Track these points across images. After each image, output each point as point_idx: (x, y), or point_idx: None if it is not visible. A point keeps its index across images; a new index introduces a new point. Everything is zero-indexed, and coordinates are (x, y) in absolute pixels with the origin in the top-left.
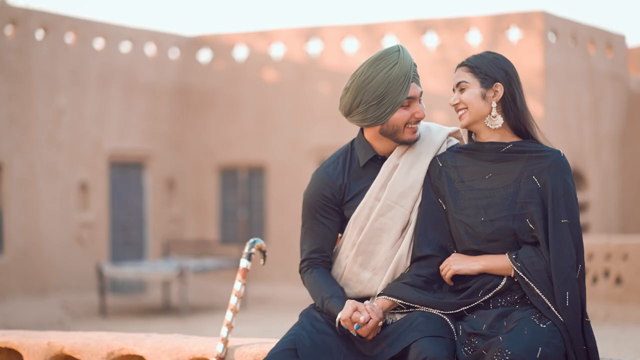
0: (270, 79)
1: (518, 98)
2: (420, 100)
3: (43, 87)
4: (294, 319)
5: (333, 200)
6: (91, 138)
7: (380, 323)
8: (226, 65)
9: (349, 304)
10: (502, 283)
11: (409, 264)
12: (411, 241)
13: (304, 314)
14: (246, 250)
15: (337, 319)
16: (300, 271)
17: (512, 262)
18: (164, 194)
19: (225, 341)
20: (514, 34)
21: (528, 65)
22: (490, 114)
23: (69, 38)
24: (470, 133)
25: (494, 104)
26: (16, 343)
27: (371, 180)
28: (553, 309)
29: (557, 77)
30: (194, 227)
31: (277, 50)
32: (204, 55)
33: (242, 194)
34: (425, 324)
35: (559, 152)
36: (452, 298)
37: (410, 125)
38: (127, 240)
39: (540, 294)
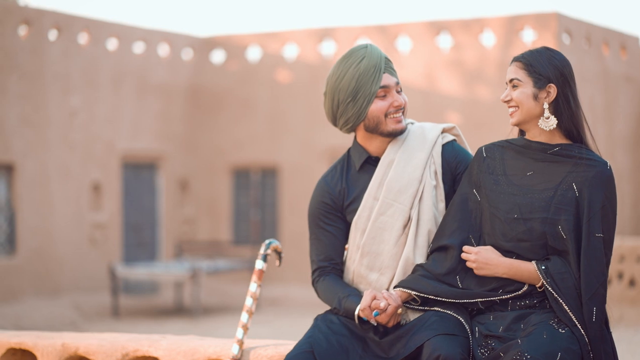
0: (283, 80)
1: (572, 100)
2: (398, 91)
3: (56, 88)
4: (307, 319)
5: (334, 206)
6: (104, 138)
7: (400, 310)
8: (239, 66)
9: (368, 293)
10: (524, 288)
11: (416, 260)
12: (415, 238)
13: (320, 318)
14: (262, 251)
15: (356, 312)
16: (313, 282)
17: (542, 276)
18: (176, 195)
19: (240, 342)
20: (528, 35)
21: None
22: (543, 115)
23: (82, 38)
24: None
25: (546, 105)
26: (30, 344)
27: (368, 182)
28: (580, 326)
29: None
30: (207, 228)
31: (290, 51)
32: (217, 56)
33: (254, 195)
34: (438, 322)
35: (605, 163)
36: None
37: (391, 116)
38: (139, 241)
39: (568, 310)
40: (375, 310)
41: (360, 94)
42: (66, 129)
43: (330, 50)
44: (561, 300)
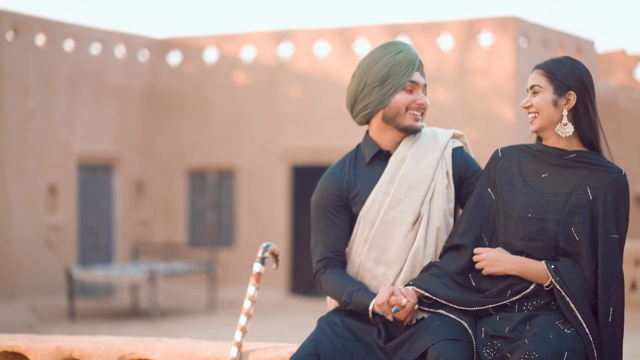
0: (241, 82)
1: (591, 109)
2: (424, 92)
3: (13, 89)
4: (264, 321)
5: (340, 197)
6: (61, 140)
7: (416, 307)
8: (196, 68)
9: (385, 289)
10: (531, 287)
11: (425, 256)
12: (425, 235)
13: (323, 320)
14: (259, 254)
15: (370, 306)
16: (316, 273)
17: (552, 275)
18: (132, 197)
19: (239, 345)
20: (486, 38)
21: (500, 69)
22: (561, 122)
23: (39, 39)
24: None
25: (565, 112)
26: (24, 347)
27: (377, 175)
28: (585, 326)
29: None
30: (163, 230)
31: (247, 53)
32: (174, 58)
33: (211, 197)
34: (442, 327)
35: (620, 170)
36: (478, 295)
37: (412, 112)
38: (95, 243)
39: (575, 309)
40: (394, 307)
41: (389, 82)
42: (23, 130)
43: (288, 53)
44: (568, 299)
